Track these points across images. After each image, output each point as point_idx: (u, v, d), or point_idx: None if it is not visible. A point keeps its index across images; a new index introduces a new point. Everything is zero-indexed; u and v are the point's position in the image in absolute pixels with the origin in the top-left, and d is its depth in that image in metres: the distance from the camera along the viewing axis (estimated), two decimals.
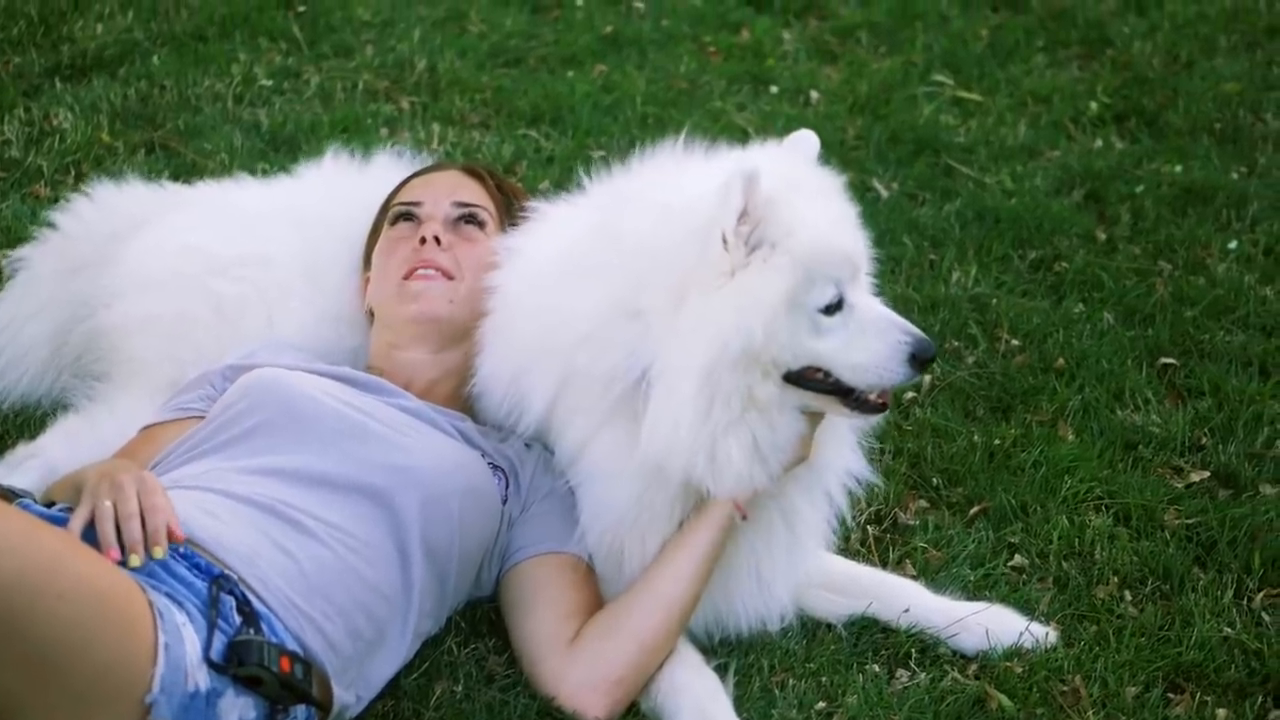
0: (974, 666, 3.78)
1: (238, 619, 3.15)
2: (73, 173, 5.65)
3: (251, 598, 3.20)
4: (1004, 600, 3.97)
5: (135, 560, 3.08)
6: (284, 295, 4.14)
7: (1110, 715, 3.65)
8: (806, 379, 3.56)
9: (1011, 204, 6.07)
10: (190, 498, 3.33)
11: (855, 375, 3.55)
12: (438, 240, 3.97)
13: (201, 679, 3.04)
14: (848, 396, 3.59)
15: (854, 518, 4.11)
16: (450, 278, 3.94)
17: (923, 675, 3.75)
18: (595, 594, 3.70)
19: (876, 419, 3.77)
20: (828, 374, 3.56)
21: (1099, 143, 6.74)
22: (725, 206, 3.42)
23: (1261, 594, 4.07)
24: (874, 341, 3.55)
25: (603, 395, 3.59)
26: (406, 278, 3.95)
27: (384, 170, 4.40)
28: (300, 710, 3.21)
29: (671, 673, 3.61)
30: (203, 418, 3.72)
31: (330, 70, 6.74)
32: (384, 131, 6.21)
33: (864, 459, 3.93)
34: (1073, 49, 7.65)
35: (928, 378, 4.90)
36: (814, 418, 3.65)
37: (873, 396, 3.60)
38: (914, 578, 4.06)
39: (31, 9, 6.70)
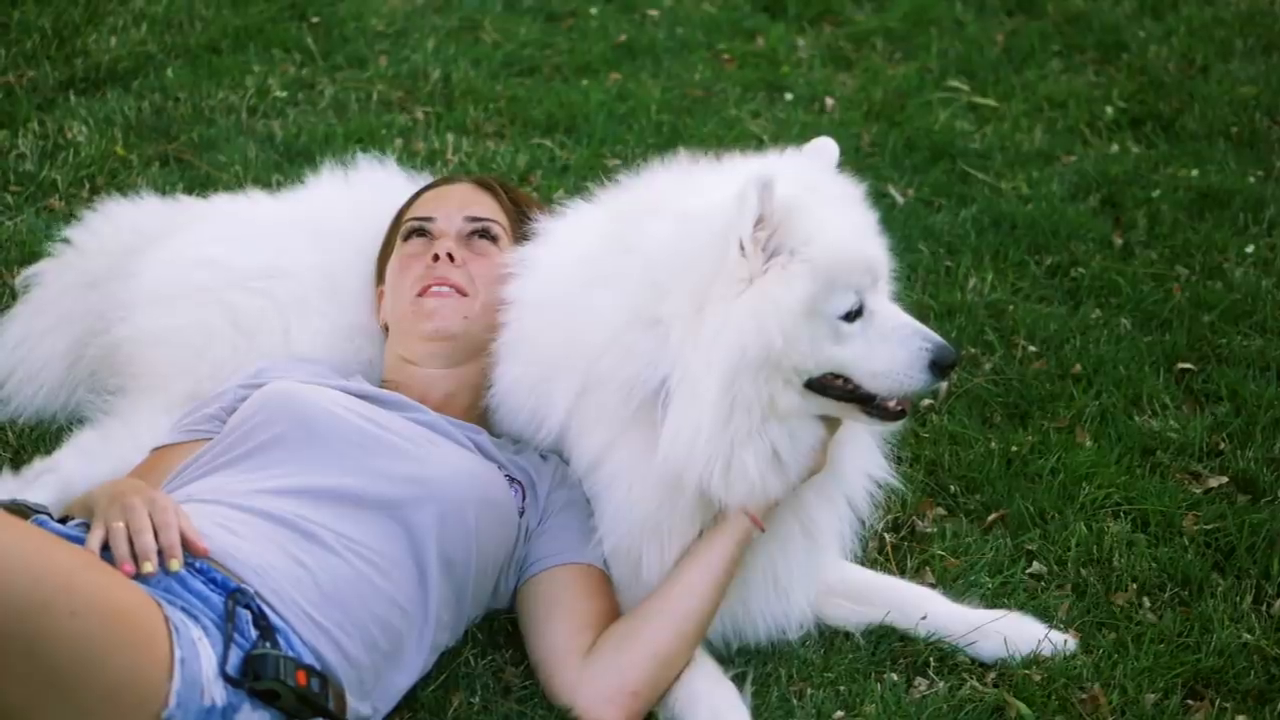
0: (992, 674, 3.77)
1: (254, 633, 3.15)
2: (87, 186, 5.64)
3: (268, 611, 3.20)
4: (1022, 607, 3.97)
5: (148, 567, 3.09)
6: (301, 307, 4.14)
7: None
8: (827, 386, 3.56)
9: (1028, 210, 6.05)
10: (205, 512, 3.33)
11: (876, 382, 3.55)
12: (451, 257, 3.97)
13: (218, 693, 3.04)
14: (867, 404, 3.60)
15: (872, 525, 4.10)
16: (464, 294, 3.94)
17: (941, 683, 3.74)
18: (612, 604, 3.69)
19: (895, 426, 3.78)
20: (847, 381, 3.57)
21: (1115, 147, 6.72)
22: (742, 213, 3.43)
23: None
24: (894, 348, 3.55)
25: (623, 404, 3.58)
26: (421, 295, 3.95)
27: (371, 179, 4.43)
28: None
29: (689, 682, 3.60)
30: (211, 439, 3.72)
31: (344, 81, 6.75)
32: (398, 142, 6.21)
33: (884, 461, 3.93)
34: (1088, 54, 7.64)
35: (945, 385, 4.88)
36: (831, 425, 3.65)
37: (891, 403, 3.60)
38: (932, 585, 4.05)
39: (45, 22, 6.70)
